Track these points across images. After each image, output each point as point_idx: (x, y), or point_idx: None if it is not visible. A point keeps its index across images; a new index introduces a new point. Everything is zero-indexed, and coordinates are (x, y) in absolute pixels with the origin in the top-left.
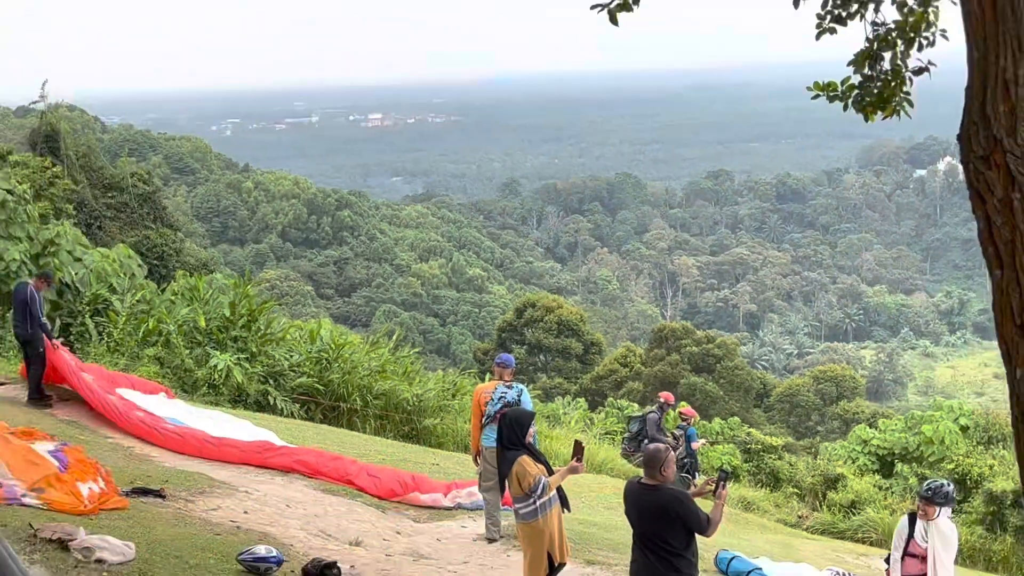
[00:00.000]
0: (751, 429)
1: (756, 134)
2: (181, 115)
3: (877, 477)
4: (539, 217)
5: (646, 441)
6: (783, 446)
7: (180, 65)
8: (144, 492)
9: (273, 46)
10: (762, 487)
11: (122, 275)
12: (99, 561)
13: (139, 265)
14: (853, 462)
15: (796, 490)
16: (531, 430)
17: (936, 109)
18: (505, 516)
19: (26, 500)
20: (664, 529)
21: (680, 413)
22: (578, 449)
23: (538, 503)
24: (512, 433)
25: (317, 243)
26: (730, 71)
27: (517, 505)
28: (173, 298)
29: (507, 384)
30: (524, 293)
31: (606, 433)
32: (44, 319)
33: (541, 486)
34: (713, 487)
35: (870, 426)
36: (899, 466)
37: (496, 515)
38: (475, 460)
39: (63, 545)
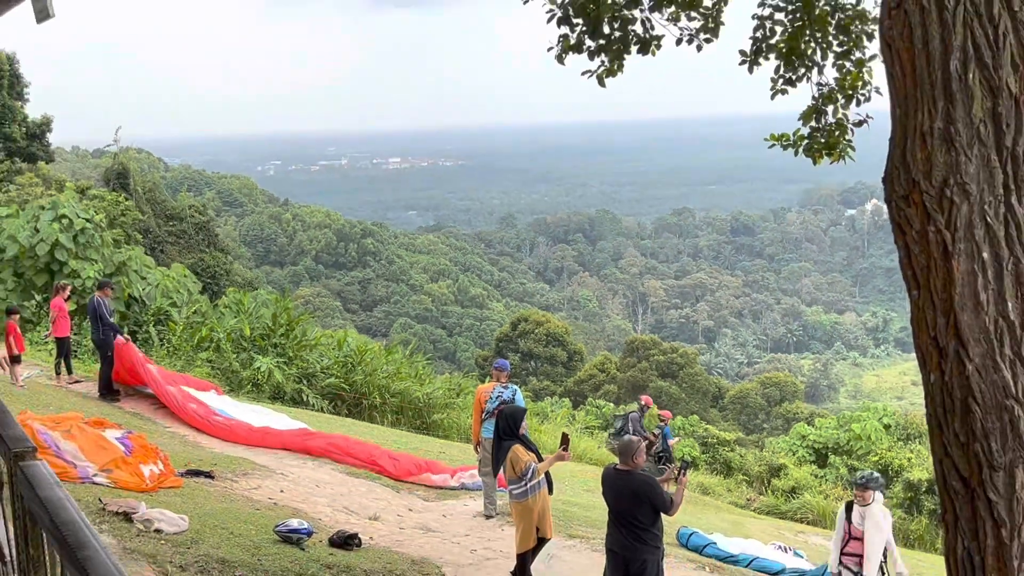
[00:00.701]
0: (708, 426)
1: (714, 178)
2: (231, 157)
3: (814, 467)
4: (531, 246)
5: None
6: (735, 440)
7: (231, 114)
8: (196, 473)
9: (310, 99)
10: (717, 475)
11: (180, 291)
12: (157, 531)
13: (194, 282)
14: (793, 454)
15: (745, 477)
16: (523, 424)
17: (866, 158)
18: (500, 497)
19: (96, 479)
20: (635, 508)
21: (659, 415)
22: (564, 440)
23: (528, 485)
24: (507, 426)
25: (344, 266)
26: (692, 124)
27: (511, 487)
28: (224, 311)
29: (503, 385)
30: (518, 309)
31: (586, 428)
32: (111, 320)
33: (531, 471)
34: (676, 474)
35: (808, 424)
36: (832, 458)
37: (493, 495)
38: (476, 449)
39: (127, 517)
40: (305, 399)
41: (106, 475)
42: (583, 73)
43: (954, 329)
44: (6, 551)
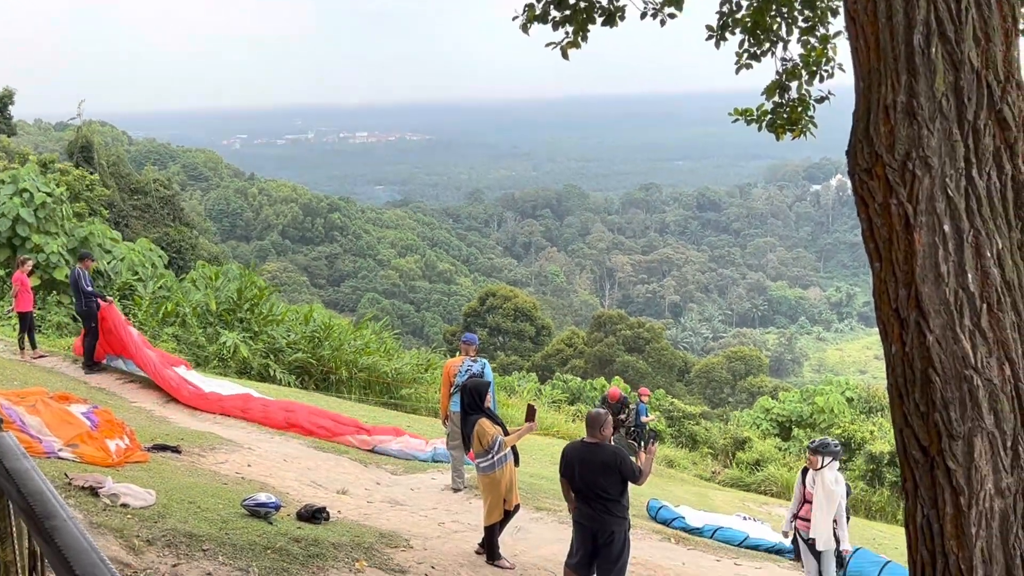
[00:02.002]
0: (674, 399)
1: (680, 154)
2: (197, 131)
3: (777, 440)
4: (499, 221)
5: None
6: (700, 414)
7: (196, 88)
8: (162, 448)
9: (275, 73)
10: (682, 448)
11: (146, 265)
12: (124, 505)
13: (159, 256)
14: (758, 427)
15: (711, 450)
16: (488, 397)
17: (830, 135)
18: (468, 470)
19: (62, 454)
20: (604, 479)
21: (638, 393)
22: (531, 412)
23: (495, 458)
24: (472, 400)
25: (311, 240)
26: (659, 101)
27: (478, 460)
28: (190, 285)
29: (472, 359)
30: (486, 284)
31: (553, 402)
32: (92, 288)
33: (497, 443)
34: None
35: (772, 397)
36: (795, 431)
37: (461, 468)
38: (444, 423)
39: (93, 492)
40: (272, 374)
41: (72, 450)
42: (547, 45)
43: (915, 301)
44: None
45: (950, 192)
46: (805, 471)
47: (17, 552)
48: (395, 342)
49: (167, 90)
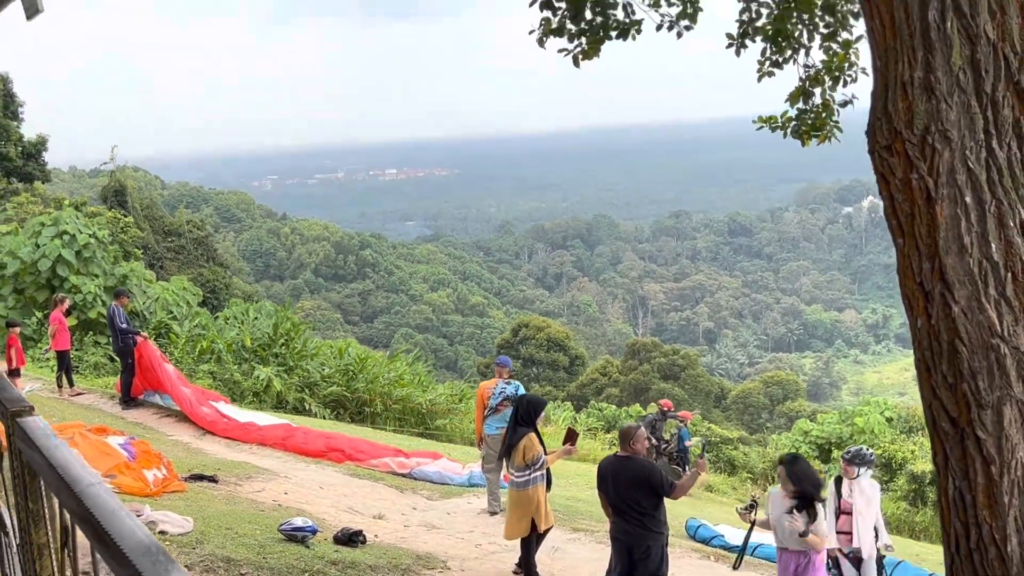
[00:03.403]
0: (711, 424)
1: (710, 180)
2: (228, 173)
3: (817, 463)
4: (530, 252)
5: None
6: (738, 438)
7: (228, 131)
8: (200, 478)
9: (306, 114)
10: (721, 473)
11: (180, 304)
12: (162, 532)
13: (193, 294)
14: (796, 450)
15: (750, 475)
16: (540, 416)
17: (859, 156)
18: (503, 493)
19: None
20: (637, 493)
21: (678, 416)
22: (572, 435)
23: (532, 475)
24: (527, 413)
25: (344, 278)
26: (684, 127)
27: (515, 474)
28: (224, 323)
29: (506, 381)
30: (518, 316)
31: (588, 429)
32: (127, 325)
33: (541, 461)
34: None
35: (810, 420)
36: (835, 452)
37: (497, 491)
38: (478, 445)
39: None
40: (307, 408)
41: (110, 480)
42: (560, 51)
43: (939, 273)
44: (6, 517)
45: (971, 164)
46: (838, 482)
47: (50, 533)
48: (428, 375)
49: (198, 134)
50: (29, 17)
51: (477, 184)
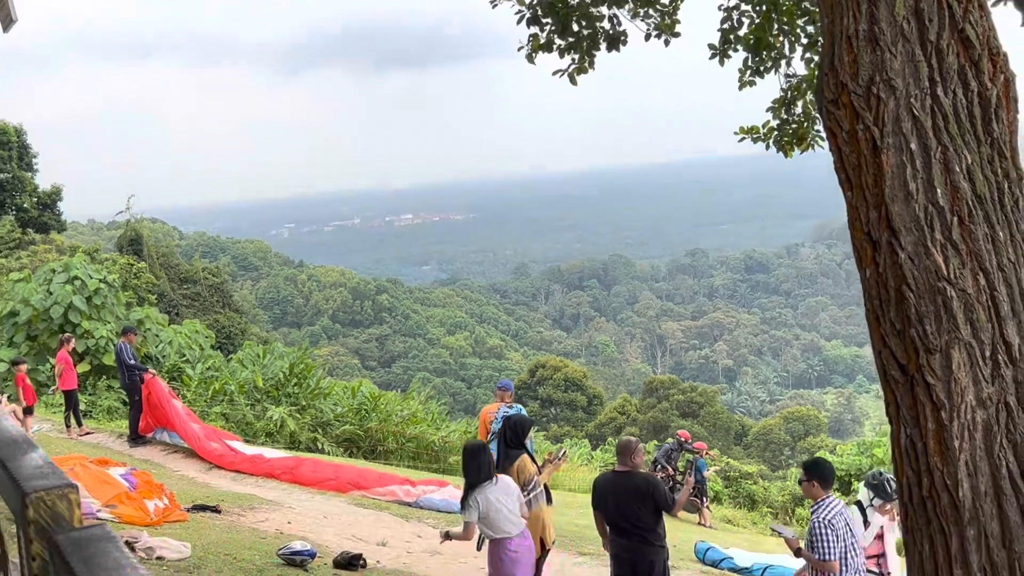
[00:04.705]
0: (729, 460)
1: (724, 218)
2: (245, 223)
3: (838, 494)
4: (546, 294)
5: (659, 465)
6: (757, 473)
7: (243, 182)
8: (202, 508)
9: (321, 162)
10: (741, 507)
11: (193, 347)
12: (159, 558)
13: (205, 337)
14: None
15: (770, 509)
16: (530, 436)
17: None
18: None
19: (100, 515)
20: (637, 507)
21: (694, 447)
22: (560, 454)
23: (531, 495)
24: (514, 435)
25: (361, 323)
26: (697, 166)
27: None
28: (239, 364)
29: (508, 405)
30: (536, 358)
31: (604, 465)
32: (135, 361)
33: (534, 482)
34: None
35: (830, 453)
36: (855, 484)
37: None
38: None
39: (129, 546)
40: (320, 447)
41: (110, 510)
42: (554, 73)
43: (886, 221)
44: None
45: (916, 112)
46: (862, 508)
47: None
48: (441, 412)
49: (215, 184)
50: (5, 29)
51: (492, 227)
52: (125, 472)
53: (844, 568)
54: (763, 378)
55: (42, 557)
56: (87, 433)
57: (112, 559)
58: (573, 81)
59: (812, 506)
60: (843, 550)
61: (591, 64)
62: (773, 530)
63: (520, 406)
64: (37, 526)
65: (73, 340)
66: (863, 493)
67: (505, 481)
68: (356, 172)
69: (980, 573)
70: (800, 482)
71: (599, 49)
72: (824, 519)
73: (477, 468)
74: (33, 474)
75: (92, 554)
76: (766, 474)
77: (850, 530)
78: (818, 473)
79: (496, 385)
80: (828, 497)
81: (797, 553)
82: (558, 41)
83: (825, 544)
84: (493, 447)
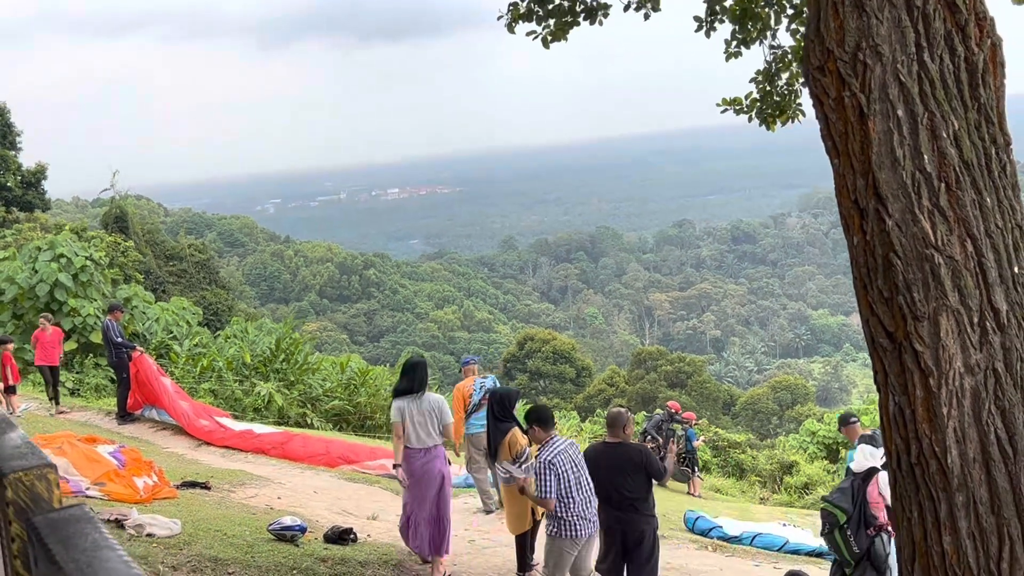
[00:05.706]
0: (717, 429)
1: (711, 188)
2: (230, 199)
3: (825, 462)
4: (534, 267)
5: (649, 436)
6: (745, 442)
7: (228, 157)
8: (192, 485)
9: (306, 137)
10: (729, 477)
11: (180, 324)
12: (149, 535)
13: (192, 314)
14: (804, 451)
15: (758, 478)
16: (516, 405)
17: None
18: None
19: (89, 492)
20: (630, 478)
21: (683, 417)
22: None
23: (523, 467)
24: (501, 408)
25: (349, 298)
26: (684, 136)
27: (508, 468)
28: (225, 341)
29: (482, 377)
30: (525, 331)
31: (594, 436)
32: (122, 339)
33: (526, 454)
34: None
35: (818, 422)
36: (843, 452)
37: (488, 490)
38: (456, 450)
39: (119, 524)
40: (309, 422)
41: (99, 488)
42: (528, 34)
43: (872, 188)
44: None
45: (902, 78)
46: (868, 476)
47: None
48: (430, 386)
49: (199, 160)
50: None
51: (479, 200)
52: (114, 450)
53: (571, 502)
54: (751, 348)
55: (21, 538)
56: (62, 412)
57: (91, 540)
58: (546, 45)
59: (538, 450)
60: (566, 486)
61: (565, 35)
62: (503, 468)
63: (493, 376)
64: (16, 507)
65: (43, 318)
66: (868, 452)
67: (431, 399)
68: (341, 146)
69: (969, 539)
70: (525, 431)
71: (578, 22)
72: (545, 459)
73: (409, 381)
74: (11, 454)
75: (71, 534)
76: (754, 443)
77: (575, 466)
78: (537, 417)
79: (462, 362)
80: (553, 438)
81: (521, 491)
82: (537, 10)
83: (543, 483)
84: (473, 420)
